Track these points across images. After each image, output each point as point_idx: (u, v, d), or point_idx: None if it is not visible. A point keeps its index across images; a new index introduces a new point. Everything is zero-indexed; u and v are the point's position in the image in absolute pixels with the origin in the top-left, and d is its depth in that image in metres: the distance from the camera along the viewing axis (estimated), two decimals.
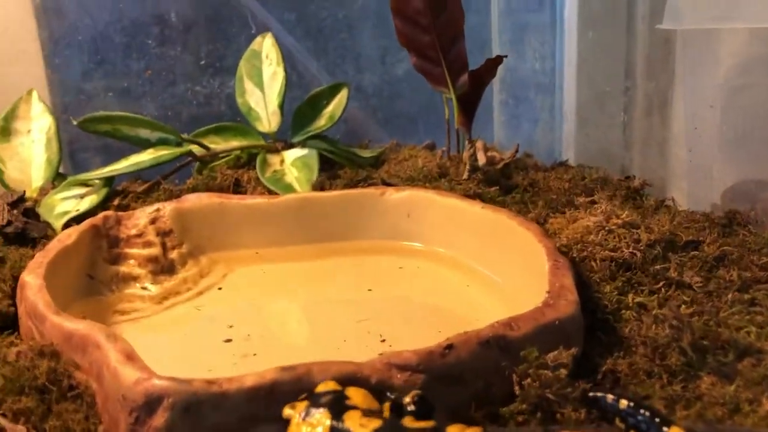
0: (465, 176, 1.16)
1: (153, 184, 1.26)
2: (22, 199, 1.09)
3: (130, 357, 0.62)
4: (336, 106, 1.33)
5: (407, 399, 0.56)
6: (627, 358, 0.69)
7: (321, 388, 0.58)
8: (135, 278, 1.02)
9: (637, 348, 0.69)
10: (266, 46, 1.32)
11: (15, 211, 1.04)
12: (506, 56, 1.21)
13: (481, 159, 1.16)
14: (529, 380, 0.61)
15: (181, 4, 1.42)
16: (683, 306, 0.77)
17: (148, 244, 1.05)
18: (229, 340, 0.86)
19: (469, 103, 1.24)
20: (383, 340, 0.85)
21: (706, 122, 1.17)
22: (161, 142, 1.25)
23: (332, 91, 1.34)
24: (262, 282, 1.04)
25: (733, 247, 0.91)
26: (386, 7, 1.20)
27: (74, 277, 0.96)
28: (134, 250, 1.04)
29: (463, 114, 1.25)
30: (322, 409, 0.54)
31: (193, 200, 1.11)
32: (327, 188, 1.18)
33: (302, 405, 0.56)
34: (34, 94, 1.29)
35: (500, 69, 1.22)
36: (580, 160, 1.39)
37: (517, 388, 0.61)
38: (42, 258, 0.89)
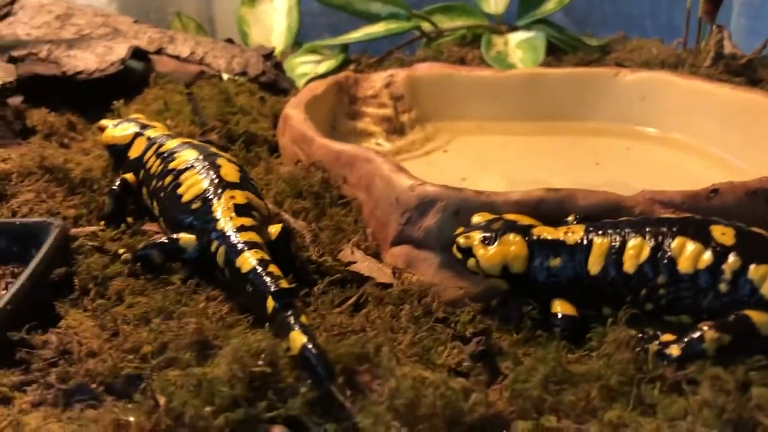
0: (707, 63, 1.10)
1: (385, 54, 1.32)
2: (272, 54, 1.19)
3: (402, 168, 0.67)
4: None
5: None
6: None
7: (478, 219, 0.61)
8: (370, 134, 1.09)
9: None
10: None
11: (267, 63, 1.13)
12: None
13: (727, 47, 1.09)
14: None
15: None
16: None
17: (383, 105, 1.11)
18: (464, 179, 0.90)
19: None
20: None
21: None
22: (392, 17, 1.29)
23: None
24: (485, 151, 1.07)
25: None
26: None
27: (320, 125, 1.03)
28: (370, 109, 1.10)
29: (708, 3, 1.18)
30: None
31: (424, 69, 1.15)
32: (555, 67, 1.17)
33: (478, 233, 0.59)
34: None
35: None
36: None
37: None
38: (298, 100, 0.97)
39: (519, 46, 1.26)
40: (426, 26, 1.32)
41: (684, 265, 0.55)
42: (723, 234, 0.55)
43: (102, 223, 0.73)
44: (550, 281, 0.59)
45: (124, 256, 0.66)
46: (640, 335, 0.54)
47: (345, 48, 1.28)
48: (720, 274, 0.54)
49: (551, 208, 0.61)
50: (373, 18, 1.31)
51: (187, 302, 0.59)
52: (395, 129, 1.10)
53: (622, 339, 0.51)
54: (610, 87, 1.07)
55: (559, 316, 0.58)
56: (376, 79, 1.13)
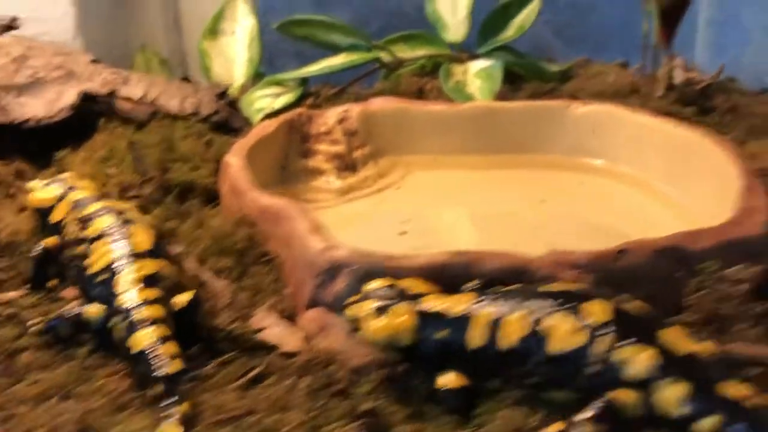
0: (659, 94, 1.10)
1: (343, 87, 1.32)
2: (226, 92, 1.19)
3: (318, 229, 0.67)
4: (526, 16, 1.30)
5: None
6: None
7: (373, 286, 0.60)
8: (322, 172, 1.09)
9: None
10: None
11: (221, 102, 1.13)
12: None
13: (679, 76, 1.08)
14: (703, 293, 0.59)
15: None
16: None
17: (335, 142, 1.11)
18: (404, 233, 0.90)
19: (673, 16, 1.16)
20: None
21: None
22: (352, 48, 1.29)
23: (524, 1, 1.30)
24: (438, 186, 1.07)
25: None
26: None
27: (269, 166, 1.04)
28: (322, 146, 1.10)
29: (664, 28, 1.17)
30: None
31: (379, 103, 1.15)
32: (510, 99, 1.17)
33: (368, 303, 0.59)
34: None
35: None
36: None
37: (689, 299, 0.59)
38: (243, 143, 0.98)
39: (478, 75, 1.26)
40: (386, 56, 1.32)
41: (555, 345, 0.54)
42: (597, 310, 0.55)
43: (24, 288, 0.74)
44: (438, 353, 0.59)
45: (34, 328, 0.67)
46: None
47: (304, 82, 1.28)
48: (591, 354, 0.54)
49: (458, 273, 0.61)
50: (335, 48, 1.31)
51: (89, 377, 0.60)
52: (347, 166, 1.10)
53: (509, 418, 0.51)
54: (562, 120, 1.07)
55: (446, 389, 0.58)
56: (330, 115, 1.13)
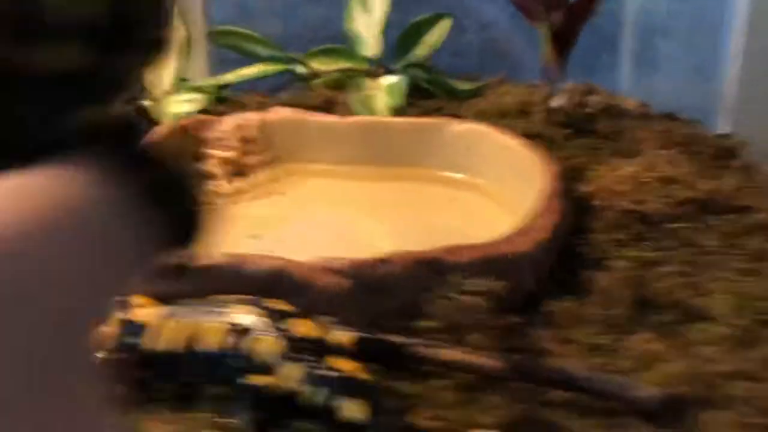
0: (540, 117, 1.14)
1: (264, 96, 1.38)
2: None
3: None
4: (438, 35, 1.34)
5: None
6: (575, 302, 0.68)
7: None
8: (213, 176, 1.15)
9: (590, 295, 0.68)
10: None
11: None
12: None
13: (559, 101, 1.12)
14: (444, 302, 0.63)
15: None
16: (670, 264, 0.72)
17: (229, 148, 1.18)
18: (255, 236, 0.96)
19: (564, 41, 1.19)
20: None
21: None
22: (270, 59, 1.36)
23: (434, 20, 1.35)
24: (323, 194, 1.13)
25: None
26: None
27: None
28: (216, 151, 1.17)
29: (555, 52, 1.21)
30: None
31: (278, 113, 1.21)
32: (409, 115, 1.22)
33: None
34: None
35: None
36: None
37: (430, 307, 0.63)
38: None
39: (385, 90, 1.31)
40: (301, 69, 1.38)
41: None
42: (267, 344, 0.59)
43: None
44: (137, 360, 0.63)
45: None
46: None
47: (217, 89, 1.35)
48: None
49: (223, 274, 0.66)
50: (256, 58, 1.38)
51: None
52: (239, 171, 1.16)
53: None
54: (440, 137, 1.12)
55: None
56: (228, 122, 1.20)
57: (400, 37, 1.38)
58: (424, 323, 0.63)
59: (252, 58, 1.38)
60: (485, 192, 1.07)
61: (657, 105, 1.36)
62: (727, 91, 1.31)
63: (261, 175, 1.17)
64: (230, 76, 1.34)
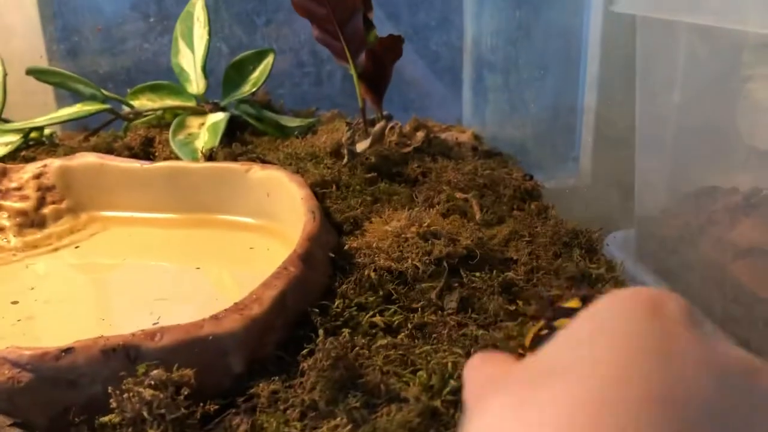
0: (344, 161, 1.10)
1: (86, 137, 1.32)
2: None
3: None
4: (261, 71, 1.30)
5: None
6: (282, 383, 0.64)
7: None
8: (1, 229, 1.08)
9: (297, 376, 0.64)
10: (198, 8, 1.31)
11: None
12: (402, 37, 1.11)
13: (362, 146, 1.09)
14: (129, 395, 0.58)
15: None
16: (399, 333, 0.68)
17: (25, 198, 1.11)
18: (16, 302, 0.90)
19: (374, 81, 1.16)
20: (156, 323, 0.84)
21: None
22: (90, 98, 1.30)
23: (258, 56, 1.31)
24: (121, 245, 1.06)
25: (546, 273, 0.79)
26: None
27: None
28: (8, 203, 1.10)
29: (369, 92, 1.18)
30: None
31: (78, 159, 1.14)
32: (214, 158, 1.17)
33: None
34: None
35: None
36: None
37: (113, 401, 0.58)
38: None
39: (208, 129, 1.26)
40: (124, 107, 1.33)
41: None
42: None
43: None
44: None
45: None
46: None
47: (28, 132, 1.28)
48: None
49: None
50: (79, 97, 1.31)
51: None
52: (33, 222, 1.10)
53: None
54: (243, 183, 1.07)
55: None
56: (27, 170, 1.13)
57: (226, 73, 1.33)
58: (108, 418, 0.58)
59: (78, 97, 1.32)
60: (285, 238, 1.02)
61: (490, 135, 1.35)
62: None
63: (58, 226, 1.11)
64: (41, 119, 1.27)
